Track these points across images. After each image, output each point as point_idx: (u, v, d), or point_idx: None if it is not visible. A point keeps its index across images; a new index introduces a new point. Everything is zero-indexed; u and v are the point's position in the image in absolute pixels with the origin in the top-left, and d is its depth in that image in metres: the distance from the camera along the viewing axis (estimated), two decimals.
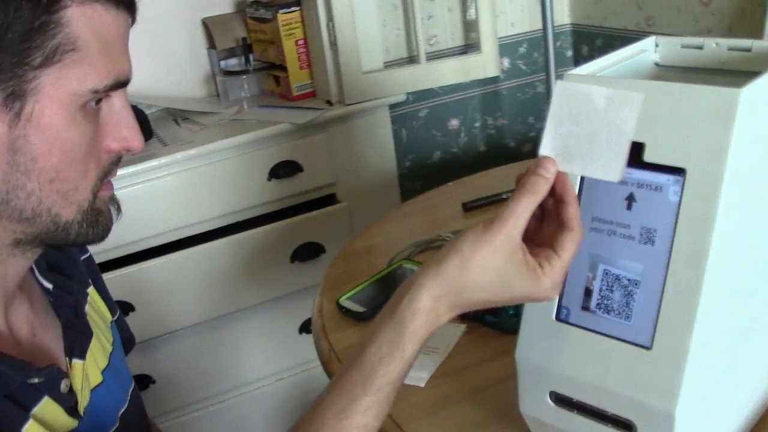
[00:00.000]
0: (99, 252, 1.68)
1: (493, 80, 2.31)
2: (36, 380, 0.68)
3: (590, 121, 0.65)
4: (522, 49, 2.34)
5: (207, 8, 2.07)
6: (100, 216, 0.70)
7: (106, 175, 0.70)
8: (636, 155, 0.67)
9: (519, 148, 2.44)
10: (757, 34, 1.72)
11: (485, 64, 2.09)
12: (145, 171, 1.69)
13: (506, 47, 2.30)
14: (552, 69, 1.94)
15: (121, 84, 0.68)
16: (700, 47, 0.81)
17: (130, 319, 1.71)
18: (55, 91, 0.63)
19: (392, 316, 0.67)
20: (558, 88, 0.67)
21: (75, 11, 0.63)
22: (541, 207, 0.68)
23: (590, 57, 0.84)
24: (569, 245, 0.66)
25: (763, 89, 0.65)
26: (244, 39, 2.05)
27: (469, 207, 1.42)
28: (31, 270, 0.77)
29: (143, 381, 1.82)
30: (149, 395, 1.83)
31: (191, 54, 2.09)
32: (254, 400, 1.96)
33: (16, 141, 0.63)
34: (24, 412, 0.65)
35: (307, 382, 1.98)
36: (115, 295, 1.76)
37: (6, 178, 0.64)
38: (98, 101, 0.67)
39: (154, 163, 1.69)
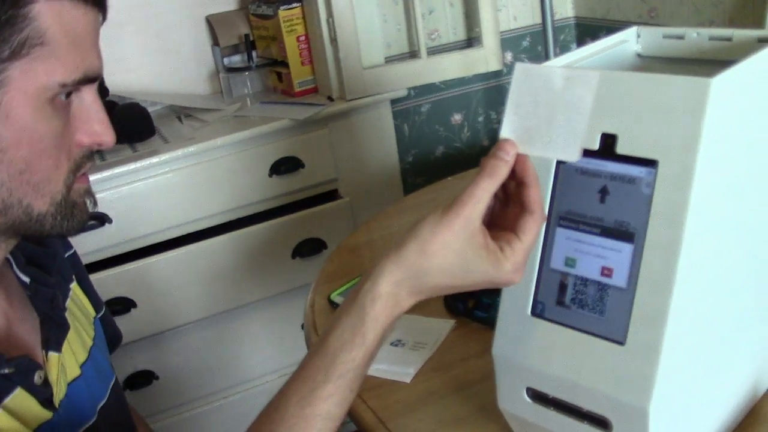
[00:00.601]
0: (100, 249, 1.71)
1: (496, 74, 2.29)
2: (7, 370, 0.68)
3: (549, 102, 0.65)
4: (525, 43, 2.33)
5: (211, 5, 2.09)
6: (75, 208, 0.71)
7: (78, 168, 0.71)
8: (609, 147, 0.66)
9: None
10: (759, 26, 1.70)
11: (487, 58, 2.08)
12: (147, 168, 1.70)
13: (509, 41, 2.29)
14: None
15: (90, 79, 0.68)
16: (681, 37, 0.80)
17: (133, 316, 1.73)
18: (24, 84, 0.64)
19: (354, 303, 0.67)
20: (517, 70, 0.67)
21: (43, 6, 0.63)
22: (504, 190, 0.67)
23: None
24: (531, 228, 0.65)
25: (736, 79, 0.64)
26: (246, 36, 2.06)
27: None
28: (9, 263, 0.78)
29: (147, 377, 1.83)
30: (153, 391, 1.84)
31: (195, 51, 2.11)
32: (257, 396, 1.96)
33: None
34: None
35: None
36: (117, 291, 1.78)
37: None
38: (68, 95, 0.68)
39: (155, 160, 1.70)
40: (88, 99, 0.70)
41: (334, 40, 1.88)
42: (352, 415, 0.93)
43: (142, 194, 1.72)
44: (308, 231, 1.87)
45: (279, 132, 1.81)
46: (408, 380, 0.94)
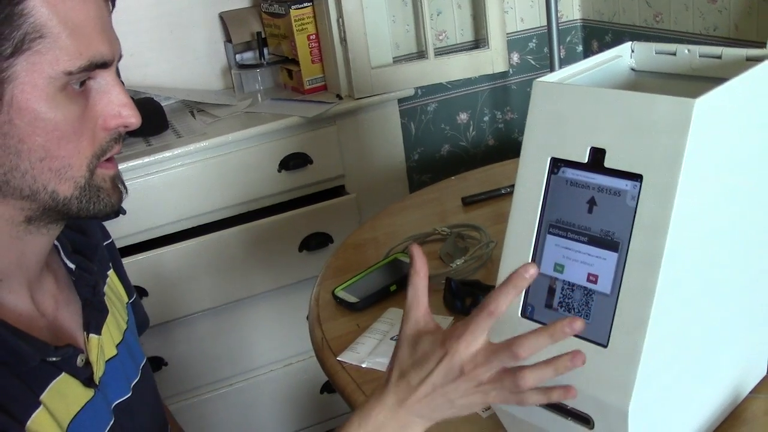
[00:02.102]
0: (115, 239, 1.74)
1: (503, 75, 2.33)
2: (54, 359, 0.73)
3: None
4: (531, 45, 2.36)
5: (224, 3, 2.13)
6: (100, 192, 0.74)
7: (104, 152, 0.73)
8: (598, 161, 0.70)
9: None
10: (764, 32, 1.73)
11: (494, 59, 2.11)
12: (160, 161, 1.74)
13: (515, 42, 2.32)
14: (557, 64, 1.96)
15: (98, 65, 0.70)
16: (674, 53, 0.84)
17: (144, 304, 1.77)
18: (30, 77, 0.66)
19: None
20: None
21: (36, 1, 0.65)
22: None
23: (599, 52, 0.87)
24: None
25: (718, 100, 0.68)
26: (259, 33, 2.09)
27: (468, 201, 1.45)
28: (57, 250, 0.83)
29: (156, 363, 1.88)
30: (161, 377, 1.89)
31: (208, 47, 2.15)
32: (262, 385, 2.01)
33: (3, 126, 0.67)
34: (36, 394, 0.70)
35: (314, 368, 2.01)
36: (130, 279, 1.82)
37: (1, 161, 0.68)
38: (83, 82, 0.70)
39: (168, 154, 1.74)
40: (106, 83, 0.72)
41: (343, 39, 1.91)
42: (351, 406, 0.97)
43: (156, 187, 1.76)
44: (315, 225, 1.91)
45: (288, 128, 1.85)
46: None
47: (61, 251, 0.84)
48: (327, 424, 2.13)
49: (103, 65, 0.71)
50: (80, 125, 0.70)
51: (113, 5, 0.73)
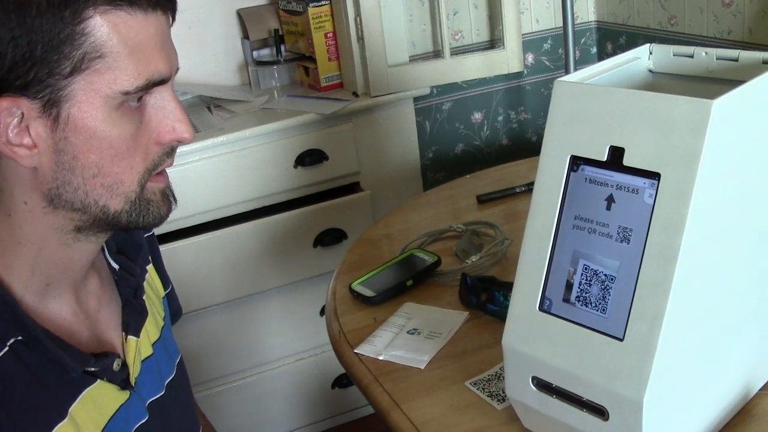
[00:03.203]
0: None
1: (517, 75, 2.34)
2: (92, 369, 0.74)
3: None
4: (546, 46, 2.37)
5: (242, 0, 2.14)
6: (150, 205, 0.74)
7: (155, 167, 0.73)
8: (617, 159, 0.72)
9: (541, 143, 2.46)
10: None
11: (509, 59, 2.13)
12: (177, 156, 1.73)
13: (531, 43, 2.33)
14: (572, 66, 1.97)
15: (155, 83, 0.70)
16: (691, 56, 0.85)
17: None
18: (87, 96, 0.67)
19: None
20: None
21: (98, 20, 0.65)
22: None
23: (614, 54, 0.88)
24: None
25: (738, 100, 0.69)
26: (276, 30, 2.11)
27: (483, 200, 1.47)
28: (102, 250, 0.85)
29: None
30: None
31: (226, 44, 2.17)
32: (274, 378, 2.03)
33: (59, 143, 0.68)
34: (65, 404, 0.71)
35: (325, 362, 2.05)
36: None
37: (55, 175, 0.69)
38: (139, 99, 0.70)
39: (185, 148, 1.75)
40: (162, 98, 0.72)
41: (360, 38, 1.93)
42: (368, 398, 0.99)
43: (172, 181, 1.77)
44: (330, 221, 1.93)
45: (305, 125, 1.87)
46: (422, 367, 0.99)
47: (106, 251, 0.85)
48: (337, 419, 2.14)
49: (161, 82, 0.71)
50: (134, 142, 0.71)
51: (173, 19, 0.73)
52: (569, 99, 0.76)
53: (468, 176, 1.63)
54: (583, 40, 2.39)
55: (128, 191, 0.72)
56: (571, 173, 0.75)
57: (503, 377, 0.93)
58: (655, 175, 0.69)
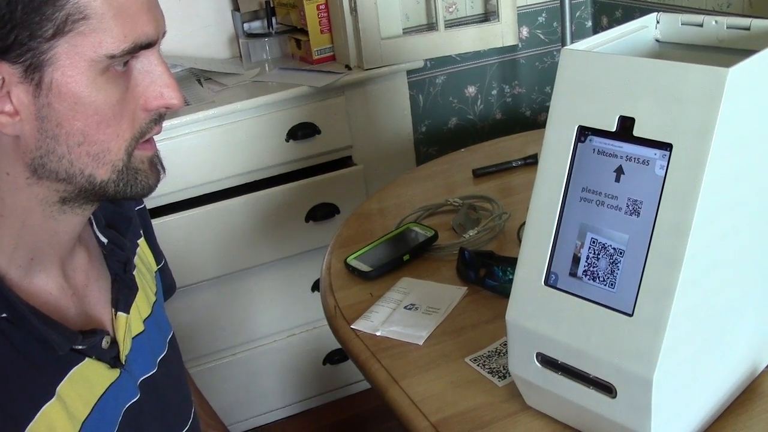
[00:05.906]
0: None
1: (512, 49, 2.31)
2: (80, 347, 0.72)
3: None
4: (541, 19, 2.34)
5: None
6: (138, 174, 0.72)
7: (143, 135, 0.71)
8: (627, 130, 0.70)
9: (535, 117, 2.45)
10: None
11: (503, 32, 2.10)
12: (166, 129, 1.73)
13: (525, 16, 2.30)
14: (569, 39, 1.95)
15: (142, 46, 0.67)
16: (700, 25, 0.83)
17: None
18: (71, 60, 0.64)
19: None
20: None
21: None
22: None
23: (609, 28, 0.85)
24: None
25: (752, 69, 0.67)
26: (267, 2, 2.08)
27: (479, 173, 1.45)
28: (90, 223, 0.82)
29: None
30: None
31: (216, 16, 2.13)
32: (266, 354, 2.02)
33: (42, 109, 0.65)
34: (53, 383, 0.69)
35: (317, 338, 2.04)
36: None
37: (38, 144, 0.66)
38: (125, 63, 0.68)
39: (175, 121, 1.73)
40: (149, 62, 0.69)
41: (354, 9, 1.90)
42: (365, 374, 0.97)
43: (162, 155, 1.74)
44: (322, 196, 1.91)
45: (297, 98, 1.84)
46: (420, 343, 0.98)
47: (95, 224, 0.82)
48: (329, 395, 2.14)
49: (148, 46, 0.68)
50: (120, 108, 0.68)
51: None
52: (577, 68, 0.74)
53: (463, 150, 1.61)
54: (578, 14, 2.36)
55: (115, 160, 0.69)
56: (579, 144, 0.73)
57: (504, 353, 0.93)
58: (666, 146, 0.67)
